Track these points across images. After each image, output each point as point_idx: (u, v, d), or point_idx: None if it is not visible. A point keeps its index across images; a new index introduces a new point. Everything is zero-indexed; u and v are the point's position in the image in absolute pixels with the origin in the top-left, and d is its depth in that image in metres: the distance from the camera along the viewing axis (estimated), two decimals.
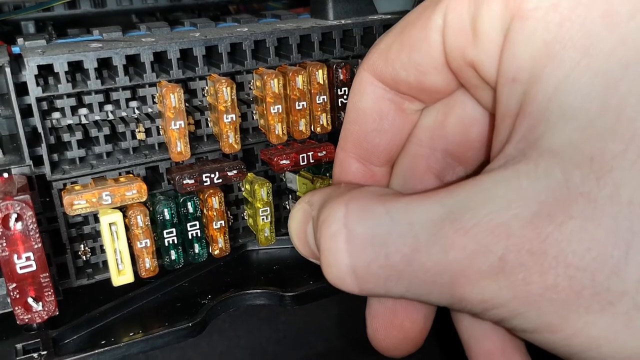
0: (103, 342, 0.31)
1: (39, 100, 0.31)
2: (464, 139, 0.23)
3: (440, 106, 0.23)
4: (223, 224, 0.35)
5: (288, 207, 0.40)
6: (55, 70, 0.31)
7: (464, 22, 0.19)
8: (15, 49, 0.33)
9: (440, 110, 0.23)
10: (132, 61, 0.33)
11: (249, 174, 0.37)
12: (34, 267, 0.28)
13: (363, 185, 0.23)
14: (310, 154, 0.36)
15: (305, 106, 0.35)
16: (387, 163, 0.25)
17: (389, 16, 0.40)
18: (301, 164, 0.36)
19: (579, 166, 0.16)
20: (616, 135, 0.16)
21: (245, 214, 0.39)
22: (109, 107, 0.34)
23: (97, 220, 0.34)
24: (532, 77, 0.17)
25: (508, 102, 0.18)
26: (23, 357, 0.30)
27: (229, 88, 0.33)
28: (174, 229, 0.34)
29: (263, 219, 0.36)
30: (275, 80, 0.34)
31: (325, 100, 0.36)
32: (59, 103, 0.32)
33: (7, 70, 0.30)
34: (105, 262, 0.35)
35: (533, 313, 0.17)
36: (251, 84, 0.36)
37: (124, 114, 0.34)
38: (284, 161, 0.35)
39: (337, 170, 0.25)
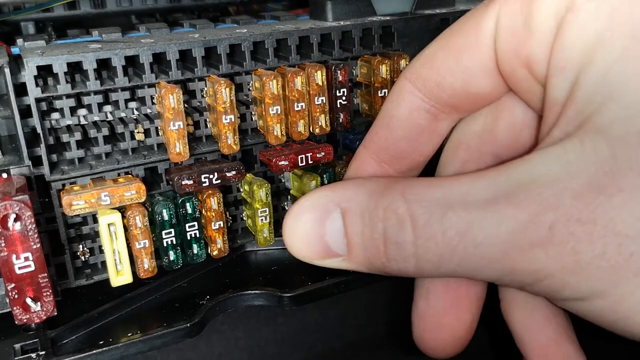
0: (101, 342, 0.31)
1: (38, 100, 0.31)
2: (515, 142, 0.24)
3: (487, 112, 0.24)
4: (222, 225, 0.35)
5: (286, 208, 0.40)
6: (55, 71, 0.31)
7: (517, 22, 0.20)
8: (15, 50, 0.33)
9: (487, 116, 0.24)
10: (131, 62, 0.33)
11: (247, 175, 0.37)
12: (32, 268, 0.28)
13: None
14: (308, 155, 0.36)
15: (304, 107, 0.36)
16: (407, 171, 0.25)
17: (388, 17, 0.40)
18: (300, 165, 0.36)
19: (626, 141, 0.16)
20: None
21: (244, 214, 0.39)
22: (108, 108, 0.34)
23: (95, 220, 0.34)
24: (582, 65, 0.18)
25: (557, 90, 0.19)
26: (21, 357, 0.30)
27: (227, 89, 0.33)
28: (172, 230, 0.34)
29: (262, 219, 0.36)
30: (274, 81, 0.34)
31: (324, 101, 0.36)
32: (58, 104, 0.32)
33: (7, 70, 0.30)
34: (103, 263, 0.35)
35: (582, 282, 0.17)
36: (250, 85, 0.36)
37: (123, 114, 0.34)
38: (283, 162, 0.35)
39: (354, 167, 0.26)
